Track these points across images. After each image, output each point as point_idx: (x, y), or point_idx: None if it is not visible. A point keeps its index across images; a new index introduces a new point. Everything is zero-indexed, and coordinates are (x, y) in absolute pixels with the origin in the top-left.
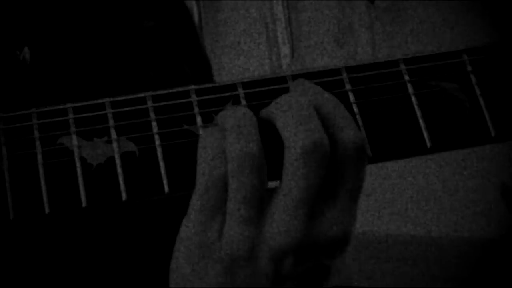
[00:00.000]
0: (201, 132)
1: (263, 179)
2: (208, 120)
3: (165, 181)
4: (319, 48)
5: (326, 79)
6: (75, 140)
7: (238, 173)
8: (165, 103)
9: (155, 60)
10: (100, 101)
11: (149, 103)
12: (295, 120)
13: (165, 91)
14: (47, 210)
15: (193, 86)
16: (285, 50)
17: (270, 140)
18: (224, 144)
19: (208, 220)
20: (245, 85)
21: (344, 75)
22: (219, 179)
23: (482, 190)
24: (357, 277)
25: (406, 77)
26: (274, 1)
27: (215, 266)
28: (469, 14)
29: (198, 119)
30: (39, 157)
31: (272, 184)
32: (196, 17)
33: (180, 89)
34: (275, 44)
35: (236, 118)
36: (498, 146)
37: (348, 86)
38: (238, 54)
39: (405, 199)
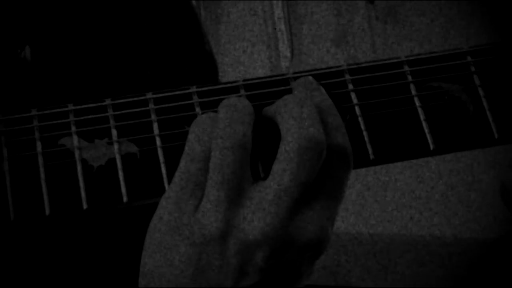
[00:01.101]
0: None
1: (244, 164)
2: None
3: (166, 183)
4: (319, 48)
5: (329, 80)
6: (76, 142)
7: (219, 153)
8: (166, 105)
9: (156, 59)
10: (101, 103)
11: (151, 105)
12: (297, 116)
13: (167, 93)
14: (47, 212)
15: (194, 88)
16: (285, 50)
17: (270, 138)
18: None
19: (185, 195)
20: (247, 86)
21: (347, 76)
22: (202, 156)
23: (482, 190)
24: (357, 277)
25: (409, 78)
26: (274, 1)
27: (184, 242)
28: (469, 13)
29: None
30: (40, 158)
31: None
32: None
33: (181, 90)
34: (275, 44)
35: (231, 102)
36: (498, 145)
37: (350, 87)
38: (238, 54)
39: (405, 199)
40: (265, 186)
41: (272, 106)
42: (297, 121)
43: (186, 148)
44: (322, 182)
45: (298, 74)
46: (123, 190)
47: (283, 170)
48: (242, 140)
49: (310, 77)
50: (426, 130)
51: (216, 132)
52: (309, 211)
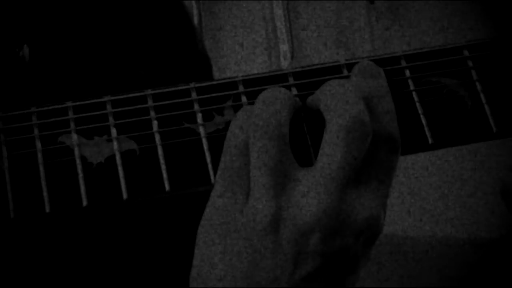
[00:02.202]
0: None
1: (284, 151)
2: (209, 117)
3: (166, 180)
4: (319, 49)
5: (327, 77)
6: (75, 139)
7: (257, 139)
8: (165, 102)
9: (149, 58)
10: (100, 99)
11: (150, 102)
12: (340, 99)
13: (166, 89)
14: (47, 209)
15: (193, 84)
16: (285, 50)
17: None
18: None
19: (231, 186)
20: (246, 82)
21: (345, 72)
22: (240, 145)
23: (482, 190)
24: None
25: (407, 74)
26: (274, 1)
27: (236, 236)
28: (470, 14)
29: (199, 117)
30: (39, 156)
31: None
32: (195, 18)
33: (180, 87)
34: (275, 44)
35: (270, 91)
36: (498, 145)
37: None
38: (238, 54)
39: (405, 199)
40: (313, 169)
41: (315, 94)
42: (341, 102)
43: (225, 143)
44: (371, 167)
45: (297, 70)
46: (123, 187)
47: (331, 150)
48: (278, 127)
49: (368, 62)
50: (425, 125)
51: (252, 122)
52: (359, 193)
